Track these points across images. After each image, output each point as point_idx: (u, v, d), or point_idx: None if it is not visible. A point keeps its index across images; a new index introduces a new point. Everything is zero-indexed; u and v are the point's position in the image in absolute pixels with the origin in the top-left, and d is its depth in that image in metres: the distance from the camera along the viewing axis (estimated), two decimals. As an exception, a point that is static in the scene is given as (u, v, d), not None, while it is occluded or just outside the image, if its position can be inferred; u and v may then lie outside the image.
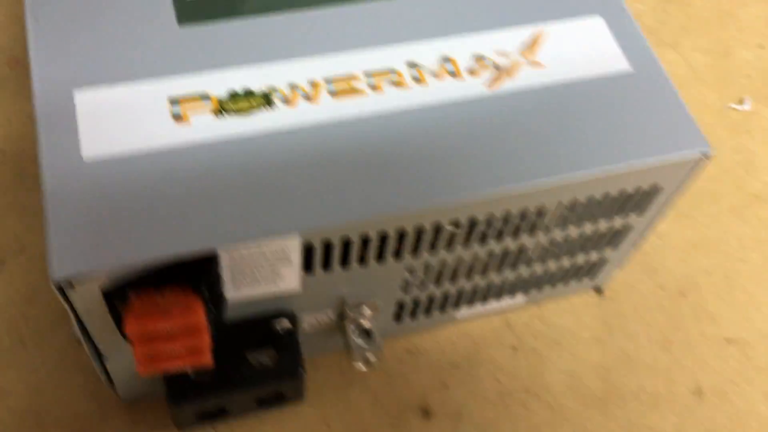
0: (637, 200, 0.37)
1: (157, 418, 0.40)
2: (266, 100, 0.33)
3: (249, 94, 0.33)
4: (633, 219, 0.38)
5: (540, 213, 0.35)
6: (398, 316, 0.41)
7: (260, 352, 0.37)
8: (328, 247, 0.33)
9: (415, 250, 0.35)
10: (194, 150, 0.31)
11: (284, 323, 0.37)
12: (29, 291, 0.42)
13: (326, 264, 0.34)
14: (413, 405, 0.41)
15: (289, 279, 0.34)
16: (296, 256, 0.32)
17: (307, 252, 0.32)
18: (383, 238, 0.33)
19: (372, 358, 0.39)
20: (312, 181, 0.31)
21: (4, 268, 0.43)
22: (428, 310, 0.42)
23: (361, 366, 0.39)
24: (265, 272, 0.33)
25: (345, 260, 0.34)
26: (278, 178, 0.31)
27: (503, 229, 0.35)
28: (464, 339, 0.44)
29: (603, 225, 0.38)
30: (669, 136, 0.34)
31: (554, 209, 0.35)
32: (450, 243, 0.35)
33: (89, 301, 0.29)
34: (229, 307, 0.35)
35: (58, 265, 0.28)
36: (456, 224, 0.34)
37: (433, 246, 0.35)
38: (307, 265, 0.34)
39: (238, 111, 0.32)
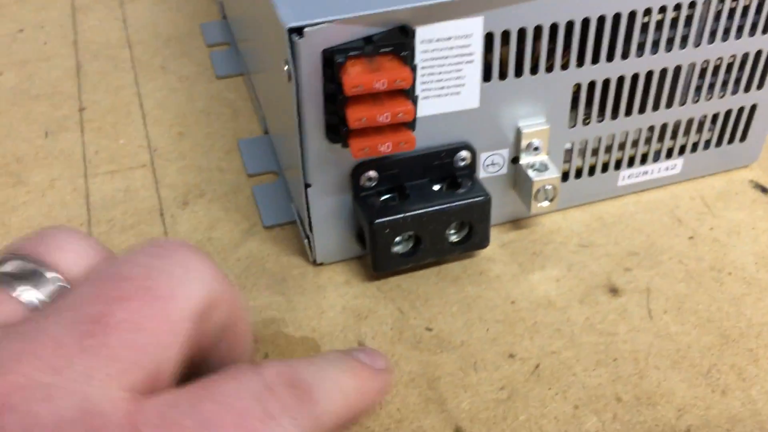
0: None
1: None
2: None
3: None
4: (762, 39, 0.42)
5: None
6: (564, 176, 0.43)
7: (444, 181, 0.40)
8: (505, 38, 0.37)
9: (581, 57, 0.39)
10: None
11: (464, 155, 0.40)
12: (211, 221, 0.46)
13: (502, 72, 0.38)
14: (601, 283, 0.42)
15: (470, 86, 0.37)
16: (478, 45, 0.36)
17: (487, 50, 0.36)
18: (553, 31, 0.37)
19: (551, 193, 0.41)
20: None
21: (187, 207, 0.47)
22: (592, 170, 0.44)
23: (542, 205, 0.41)
24: (448, 73, 0.37)
25: (518, 69, 0.38)
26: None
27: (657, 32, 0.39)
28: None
29: (736, 45, 0.41)
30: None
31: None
32: (611, 50, 0.39)
33: (311, 55, 0.33)
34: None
35: (290, 17, 0.32)
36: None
37: (596, 51, 0.39)
38: (486, 74, 0.38)
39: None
